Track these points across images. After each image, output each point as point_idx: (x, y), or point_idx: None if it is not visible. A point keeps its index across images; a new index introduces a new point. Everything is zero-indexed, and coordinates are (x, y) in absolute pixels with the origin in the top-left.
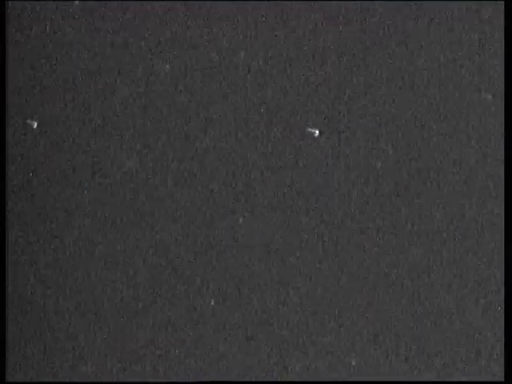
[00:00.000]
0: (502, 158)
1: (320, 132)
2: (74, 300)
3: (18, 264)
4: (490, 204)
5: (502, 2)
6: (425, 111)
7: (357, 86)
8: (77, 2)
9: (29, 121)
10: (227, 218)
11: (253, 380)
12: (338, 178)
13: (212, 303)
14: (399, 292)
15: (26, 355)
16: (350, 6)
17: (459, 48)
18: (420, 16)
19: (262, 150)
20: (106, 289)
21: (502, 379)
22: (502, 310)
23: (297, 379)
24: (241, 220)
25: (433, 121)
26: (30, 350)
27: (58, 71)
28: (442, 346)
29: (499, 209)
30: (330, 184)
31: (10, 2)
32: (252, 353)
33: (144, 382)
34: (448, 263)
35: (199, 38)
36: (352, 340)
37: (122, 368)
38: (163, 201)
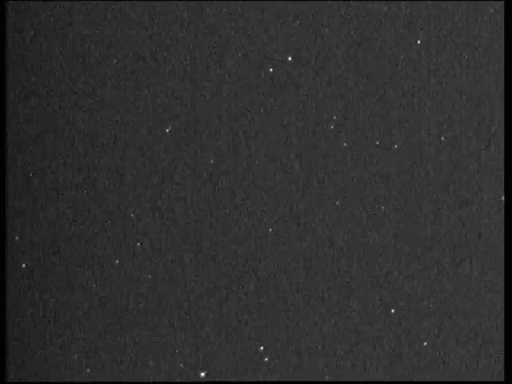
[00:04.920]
0: (502, 159)
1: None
2: (75, 300)
3: (18, 264)
4: (490, 203)
5: (502, 2)
6: (425, 111)
7: (356, 86)
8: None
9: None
10: (226, 218)
11: (253, 380)
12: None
13: (212, 304)
14: (398, 292)
15: (26, 355)
16: (350, 5)
17: (459, 48)
18: (420, 16)
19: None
20: (106, 289)
21: (502, 379)
22: (502, 310)
23: (296, 379)
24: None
25: (432, 121)
26: (30, 350)
27: (59, 71)
28: (442, 345)
29: (499, 208)
30: (332, 184)
31: (9, 2)
32: (253, 354)
33: (144, 382)
34: (447, 263)
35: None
36: (351, 340)
37: (122, 368)
38: (164, 200)
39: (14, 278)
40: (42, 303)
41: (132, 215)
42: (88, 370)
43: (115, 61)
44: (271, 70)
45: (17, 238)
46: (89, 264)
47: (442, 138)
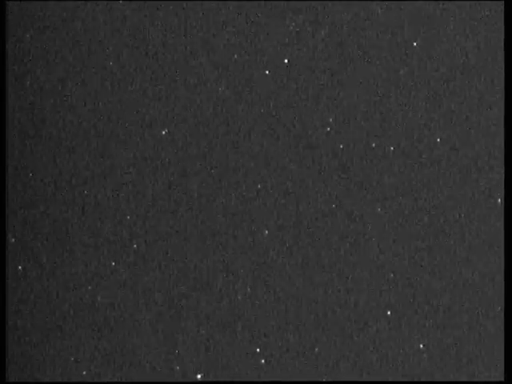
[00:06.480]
0: (502, 159)
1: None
2: (75, 300)
3: (19, 264)
4: (490, 203)
5: (502, 2)
6: (425, 111)
7: (355, 86)
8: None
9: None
10: (226, 217)
11: (253, 380)
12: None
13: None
14: (398, 291)
15: (26, 355)
16: (350, 5)
17: (459, 48)
18: (420, 16)
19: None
20: (106, 289)
21: (502, 379)
22: (502, 310)
23: (297, 379)
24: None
25: (433, 121)
26: (30, 350)
27: (59, 71)
28: (442, 345)
29: (499, 208)
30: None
31: (9, 2)
32: (249, 356)
33: (144, 382)
34: (447, 263)
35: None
36: (349, 341)
37: (122, 368)
38: (161, 202)
39: (12, 279)
40: (42, 303)
41: (128, 217)
42: (86, 371)
43: (114, 62)
44: (267, 72)
45: (13, 240)
46: (86, 265)
47: (438, 140)
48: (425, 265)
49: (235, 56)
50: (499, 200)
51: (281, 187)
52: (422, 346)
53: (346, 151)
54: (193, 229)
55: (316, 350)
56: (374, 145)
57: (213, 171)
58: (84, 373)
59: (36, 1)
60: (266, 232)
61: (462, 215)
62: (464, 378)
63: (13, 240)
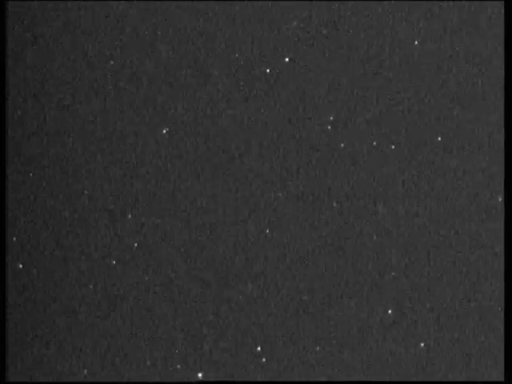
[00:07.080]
0: (502, 159)
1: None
2: (75, 300)
3: (19, 262)
4: (490, 203)
5: (502, 2)
6: (425, 111)
7: (357, 88)
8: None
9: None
10: (225, 217)
11: (254, 379)
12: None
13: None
14: (399, 290)
15: (26, 355)
16: (349, 5)
17: (459, 48)
18: (420, 16)
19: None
20: (106, 288)
21: (502, 379)
22: (502, 310)
23: (297, 379)
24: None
25: (433, 121)
26: (30, 350)
27: (59, 71)
28: (442, 345)
29: (499, 208)
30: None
31: (9, 2)
32: (250, 354)
33: (144, 382)
34: (447, 262)
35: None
36: (349, 341)
37: (121, 368)
38: (163, 201)
39: (12, 278)
40: (42, 302)
41: (129, 216)
42: (87, 370)
43: (114, 62)
44: (268, 70)
45: (13, 239)
46: (86, 264)
47: (439, 139)
48: (425, 264)
49: (236, 55)
50: (499, 199)
51: (281, 186)
52: (422, 345)
53: (347, 150)
54: (193, 228)
55: (316, 349)
56: (374, 143)
57: (213, 170)
58: (84, 373)
59: (36, 1)
60: (267, 231)
61: (462, 215)
62: (464, 378)
63: (13, 239)
